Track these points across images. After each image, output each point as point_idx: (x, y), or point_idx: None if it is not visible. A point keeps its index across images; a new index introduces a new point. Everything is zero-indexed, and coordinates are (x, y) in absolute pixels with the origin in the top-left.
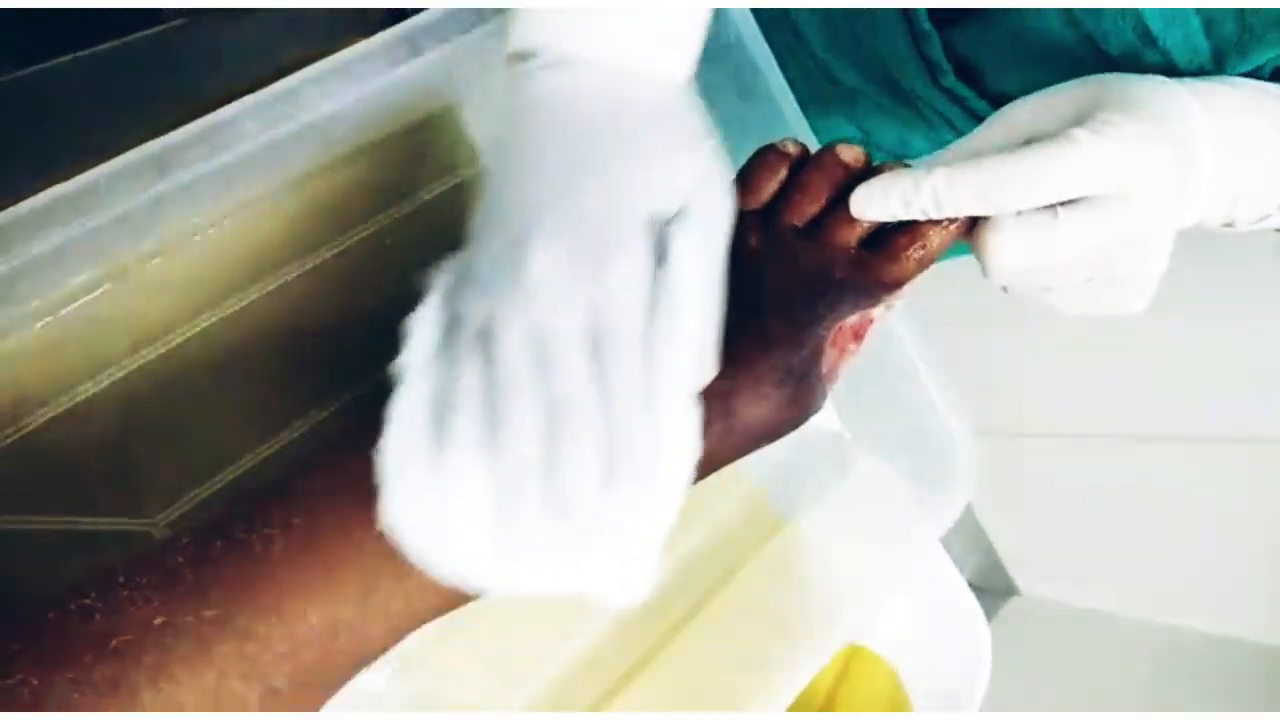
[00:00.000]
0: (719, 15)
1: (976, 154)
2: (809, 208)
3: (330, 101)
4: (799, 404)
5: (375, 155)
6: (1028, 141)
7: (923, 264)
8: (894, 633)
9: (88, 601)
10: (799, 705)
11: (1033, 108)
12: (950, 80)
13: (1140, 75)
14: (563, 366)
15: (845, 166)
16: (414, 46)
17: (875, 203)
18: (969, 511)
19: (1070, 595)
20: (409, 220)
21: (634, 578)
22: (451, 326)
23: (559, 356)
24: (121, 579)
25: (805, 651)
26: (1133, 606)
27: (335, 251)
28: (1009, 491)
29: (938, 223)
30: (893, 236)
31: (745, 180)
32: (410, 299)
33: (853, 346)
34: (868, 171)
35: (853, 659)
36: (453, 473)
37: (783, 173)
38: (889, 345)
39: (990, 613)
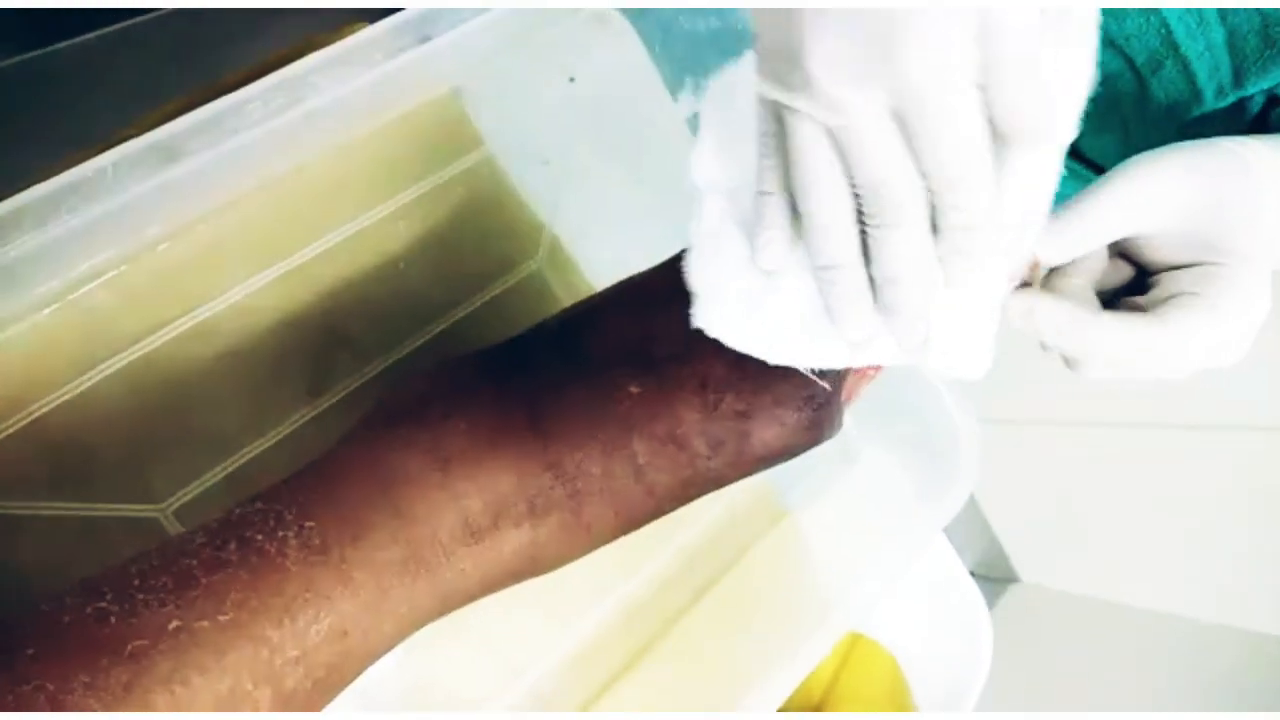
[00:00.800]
0: (729, 2)
1: (1086, 225)
2: None
3: (337, 87)
4: (816, 428)
5: (382, 141)
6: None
7: None
8: (896, 622)
9: (103, 605)
10: (801, 693)
11: (1151, 190)
12: None
13: (1233, 163)
14: (864, 154)
15: None
16: (421, 33)
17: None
18: (970, 499)
19: (1071, 583)
20: (416, 204)
21: (968, 351)
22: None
23: (859, 145)
24: (136, 581)
25: (807, 640)
26: (1134, 594)
27: (342, 237)
28: (1010, 479)
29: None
30: None
31: None
32: (417, 284)
33: (871, 372)
34: None
35: (854, 648)
36: (765, 272)
37: None
38: None
39: (991, 600)
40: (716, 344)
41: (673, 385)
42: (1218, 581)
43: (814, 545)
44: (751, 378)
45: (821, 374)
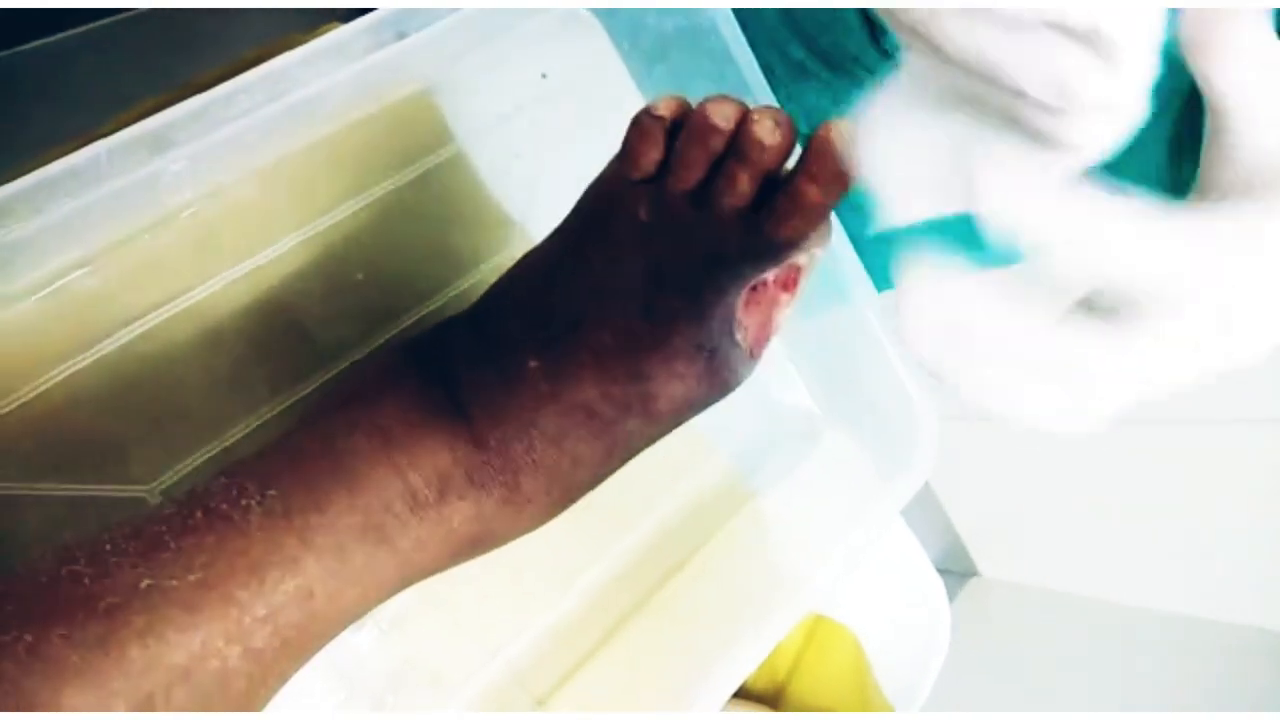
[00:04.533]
0: (696, 2)
1: None
2: (691, 175)
3: (318, 82)
4: (718, 375)
5: (357, 135)
6: None
7: (809, 221)
8: (856, 608)
9: (78, 567)
10: (766, 669)
11: None
12: (892, 42)
13: None
14: None
15: (717, 129)
16: (395, 31)
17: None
18: (931, 494)
19: (1029, 576)
20: (389, 198)
21: None
22: None
23: None
24: (109, 546)
25: (769, 619)
26: (1091, 588)
27: (319, 229)
28: (970, 474)
29: (814, 178)
30: (778, 197)
31: (625, 149)
32: (392, 274)
33: (784, 297)
34: (745, 124)
35: (817, 627)
36: None
37: (660, 138)
38: (858, 326)
39: (952, 594)
40: (607, 308)
41: (569, 356)
42: (1177, 572)
43: (777, 526)
44: (641, 338)
45: (713, 314)
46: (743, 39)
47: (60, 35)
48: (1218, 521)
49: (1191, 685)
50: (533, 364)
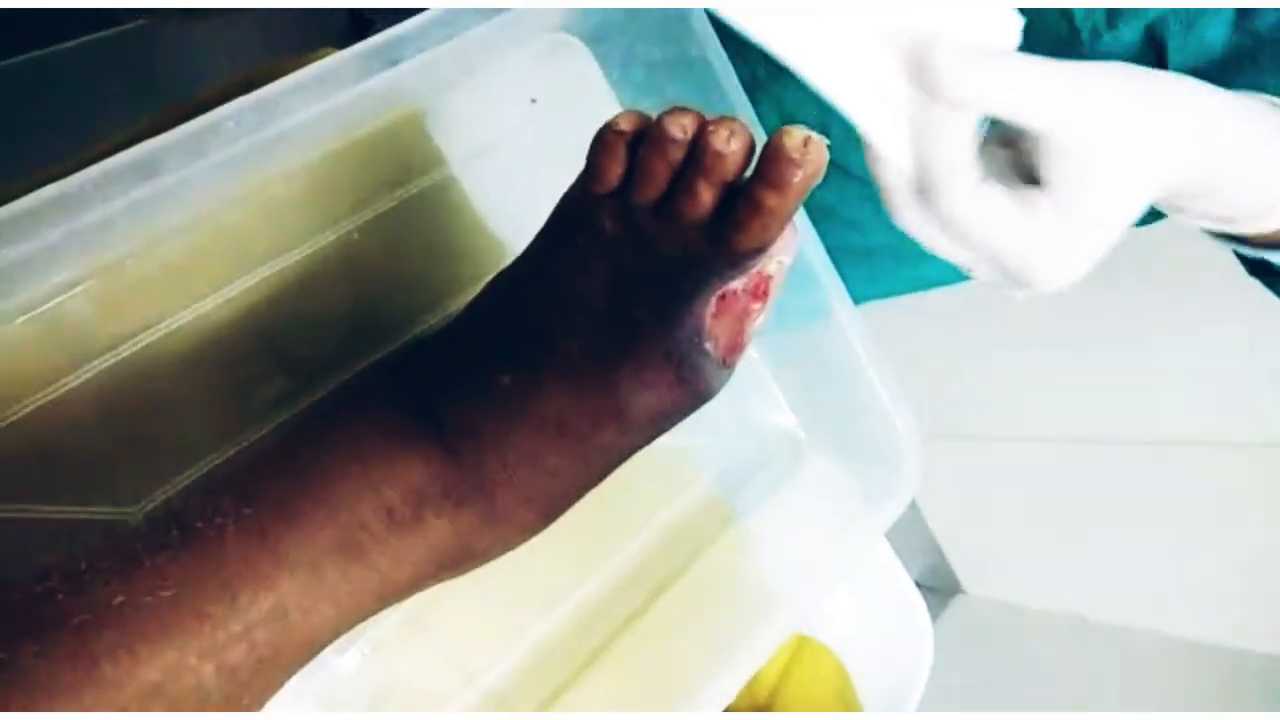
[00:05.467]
0: (685, 32)
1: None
2: (653, 186)
3: (308, 109)
4: (689, 385)
5: (347, 159)
6: None
7: (768, 228)
8: (838, 628)
9: (52, 584)
10: (747, 691)
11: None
12: None
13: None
14: None
15: (674, 139)
16: (388, 58)
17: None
18: (917, 513)
19: (1014, 595)
20: (378, 222)
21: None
22: None
23: None
24: (84, 565)
25: (754, 640)
26: (1074, 606)
27: (307, 252)
28: (956, 493)
29: (769, 184)
30: (737, 204)
31: (589, 164)
32: (379, 298)
33: (756, 306)
34: (702, 135)
35: (801, 648)
36: None
37: (623, 152)
38: (841, 347)
39: (936, 611)
40: (575, 321)
41: (539, 370)
42: (1159, 591)
43: (762, 548)
44: (610, 349)
45: (681, 324)
46: (730, 68)
47: (52, 49)
48: (1201, 541)
49: (1174, 702)
50: (505, 379)
